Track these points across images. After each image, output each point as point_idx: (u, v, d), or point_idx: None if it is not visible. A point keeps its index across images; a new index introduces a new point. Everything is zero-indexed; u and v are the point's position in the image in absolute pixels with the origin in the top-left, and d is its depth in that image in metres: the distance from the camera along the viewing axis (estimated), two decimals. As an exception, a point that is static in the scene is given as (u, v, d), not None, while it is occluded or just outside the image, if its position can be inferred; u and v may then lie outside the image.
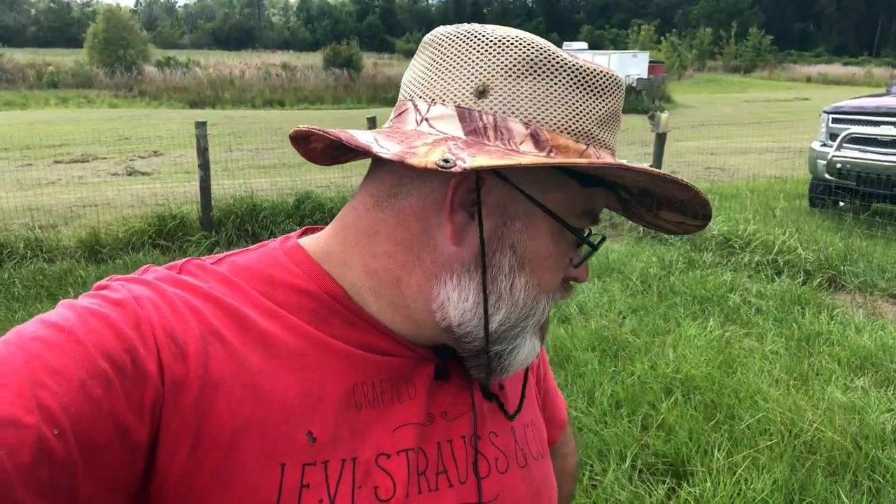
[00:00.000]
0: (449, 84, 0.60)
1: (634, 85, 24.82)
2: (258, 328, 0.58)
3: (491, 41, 0.59)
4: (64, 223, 6.59)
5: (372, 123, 6.59)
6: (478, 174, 0.58)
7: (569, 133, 0.59)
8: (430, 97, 0.61)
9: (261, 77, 30.64)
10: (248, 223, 6.27)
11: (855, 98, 7.83)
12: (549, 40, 0.62)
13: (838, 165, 6.81)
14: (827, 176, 7.01)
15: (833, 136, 7.05)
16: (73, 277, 4.98)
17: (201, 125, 6.23)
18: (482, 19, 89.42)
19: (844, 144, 6.81)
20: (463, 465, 0.65)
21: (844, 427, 2.94)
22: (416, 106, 0.62)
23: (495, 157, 0.54)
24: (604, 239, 0.69)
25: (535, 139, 0.58)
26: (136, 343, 0.51)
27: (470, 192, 0.59)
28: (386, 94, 27.66)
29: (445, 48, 0.62)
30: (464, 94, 0.59)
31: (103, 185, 8.36)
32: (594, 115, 0.60)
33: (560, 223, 0.62)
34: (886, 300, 4.80)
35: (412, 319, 0.63)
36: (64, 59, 37.65)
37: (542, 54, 0.59)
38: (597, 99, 0.61)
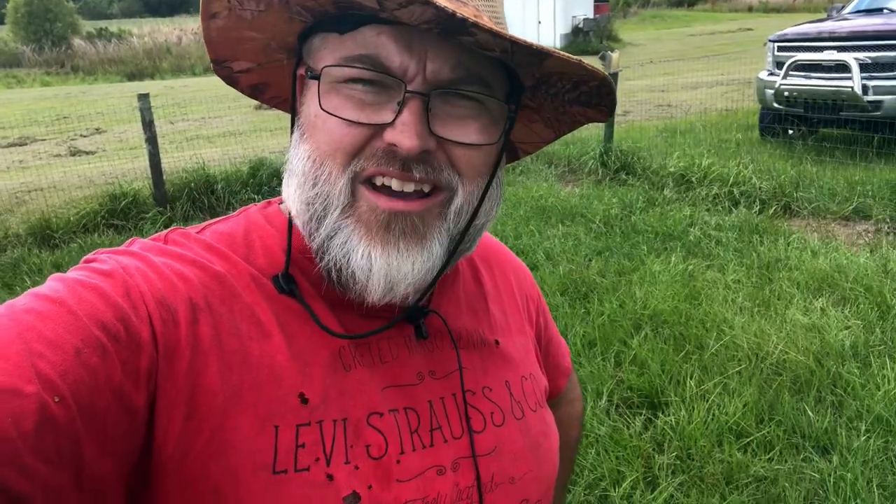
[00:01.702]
0: None
1: (581, 26, 24.69)
2: (244, 297, 0.59)
3: None
4: (9, 211, 6.34)
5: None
6: (295, 71, 0.63)
7: None
8: None
9: (198, 43, 29.52)
10: (204, 195, 6.12)
11: (798, 25, 7.92)
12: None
13: (786, 93, 6.92)
14: (776, 105, 7.12)
15: (779, 65, 7.15)
16: (28, 266, 4.82)
17: (144, 97, 6.00)
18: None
19: (791, 72, 6.91)
20: (456, 420, 0.66)
21: (807, 347, 3.07)
22: None
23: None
24: (423, 97, 0.56)
25: None
26: (128, 311, 0.52)
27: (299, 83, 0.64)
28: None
29: None
30: None
31: (46, 167, 8.04)
32: None
33: (311, 76, 0.60)
34: (838, 223, 4.97)
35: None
36: (-14, 37, 35.64)
37: None
38: None
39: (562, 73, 0.61)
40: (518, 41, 0.53)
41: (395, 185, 0.57)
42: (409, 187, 0.58)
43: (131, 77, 24.68)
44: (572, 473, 2.47)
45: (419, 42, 0.56)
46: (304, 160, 0.59)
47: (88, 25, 39.47)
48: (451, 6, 0.50)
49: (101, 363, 0.48)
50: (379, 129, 0.57)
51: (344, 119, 0.57)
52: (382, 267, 0.58)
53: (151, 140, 6.00)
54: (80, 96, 17.94)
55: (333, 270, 0.59)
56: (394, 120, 0.56)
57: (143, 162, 6.30)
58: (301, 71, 0.63)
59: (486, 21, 0.52)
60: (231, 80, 0.69)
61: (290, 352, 0.58)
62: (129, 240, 0.62)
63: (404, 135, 0.55)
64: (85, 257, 0.59)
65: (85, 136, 11.10)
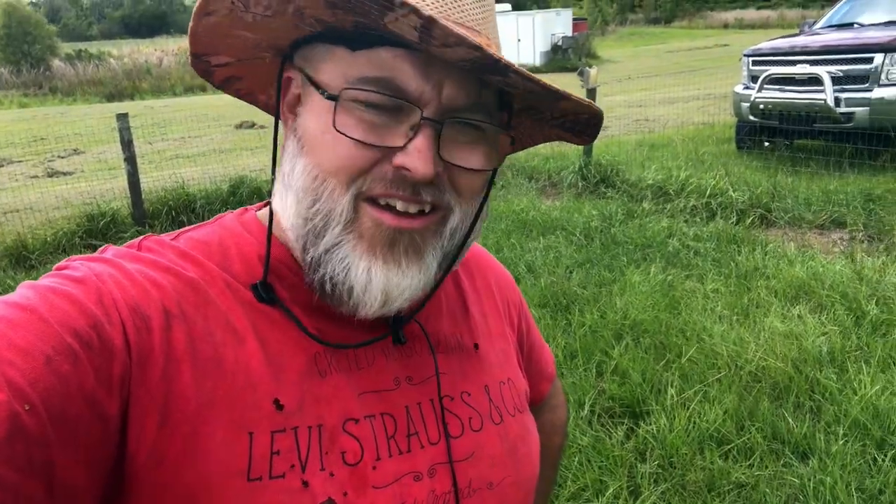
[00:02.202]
0: None
1: (560, 44, 24.99)
2: (218, 301, 0.58)
3: None
4: (-15, 232, 6.25)
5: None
6: (281, 73, 0.61)
7: None
8: None
9: (179, 63, 29.50)
10: (183, 214, 6.09)
11: (772, 40, 8.09)
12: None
13: (761, 106, 7.04)
14: (751, 117, 7.24)
15: (754, 79, 7.28)
16: (3, 287, 4.75)
17: (122, 117, 5.99)
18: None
19: (765, 86, 7.04)
20: (433, 426, 0.65)
21: (785, 354, 3.10)
22: None
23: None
24: (436, 123, 0.56)
25: None
26: (101, 318, 0.51)
27: (293, 97, 0.62)
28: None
29: None
30: None
31: (23, 188, 7.94)
32: None
33: (317, 90, 0.58)
34: (814, 232, 5.04)
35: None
36: (-37, 59, 35.33)
37: None
38: None
39: (565, 109, 0.63)
40: (548, 88, 0.55)
41: (399, 205, 0.58)
42: (414, 208, 0.58)
43: (111, 98, 24.56)
44: (555, 483, 2.47)
45: (437, 69, 0.56)
46: (305, 175, 0.58)
47: (67, 47, 39.33)
48: (482, 42, 0.51)
49: (72, 370, 0.48)
50: (388, 151, 0.56)
51: (355, 140, 0.56)
52: (381, 282, 0.58)
53: (130, 159, 5.97)
54: (58, 117, 17.82)
55: (328, 284, 0.59)
56: (406, 144, 0.56)
57: (122, 182, 6.26)
58: (290, 74, 0.62)
59: (504, 57, 0.53)
60: (206, 74, 0.67)
61: (265, 358, 0.58)
62: (103, 247, 0.62)
63: (419, 161, 0.55)
64: (57, 265, 0.58)
65: (63, 157, 11.01)
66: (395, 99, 0.55)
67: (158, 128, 10.96)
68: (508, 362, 0.77)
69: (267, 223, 0.64)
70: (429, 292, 0.63)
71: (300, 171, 0.58)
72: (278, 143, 0.66)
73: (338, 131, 0.56)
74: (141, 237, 0.63)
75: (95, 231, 5.73)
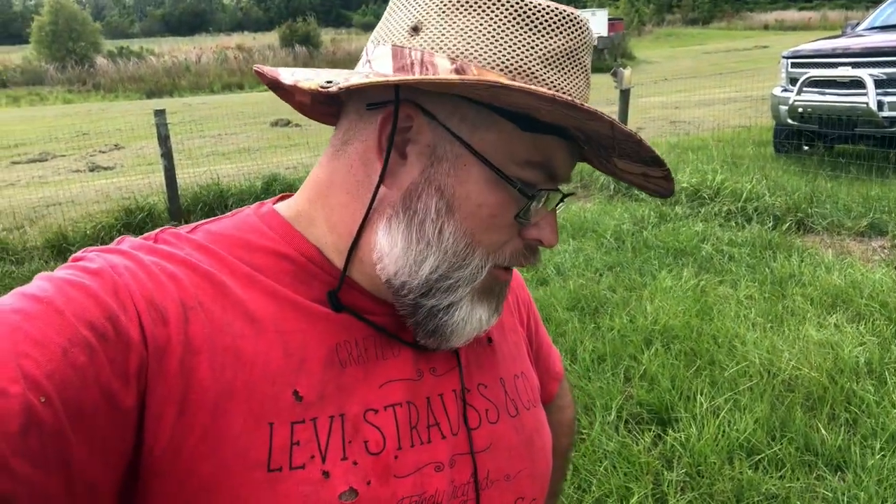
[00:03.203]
0: (391, 24, 0.60)
1: (595, 44, 24.75)
2: (237, 293, 0.58)
3: None
4: (29, 224, 6.43)
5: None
6: (397, 110, 0.58)
7: (501, 69, 0.55)
8: (377, 39, 0.61)
9: (217, 61, 30.00)
10: (218, 209, 6.19)
11: (812, 42, 7.90)
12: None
13: (800, 110, 6.88)
14: (790, 121, 7.09)
15: (793, 81, 7.12)
16: (43, 278, 4.89)
17: (160, 113, 6.11)
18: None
19: (804, 88, 6.88)
20: (454, 417, 0.66)
21: (820, 363, 3.02)
22: (366, 49, 0.63)
23: (394, 78, 0.53)
24: (563, 198, 0.64)
25: (461, 74, 0.55)
26: (117, 310, 0.51)
27: (401, 130, 0.59)
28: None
29: None
30: (400, 33, 0.58)
31: (65, 182, 8.16)
32: (535, 51, 0.56)
33: (485, 164, 0.58)
34: (853, 239, 4.91)
35: (370, 276, 0.62)
36: (10, 55, 36.43)
37: None
38: (540, 34, 0.56)
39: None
40: (667, 175, 0.62)
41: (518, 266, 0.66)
42: None
43: (150, 95, 25.08)
44: (573, 483, 2.46)
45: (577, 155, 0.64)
46: (455, 240, 0.59)
47: (110, 44, 40.24)
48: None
49: (88, 363, 0.47)
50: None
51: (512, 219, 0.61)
52: (484, 326, 0.65)
53: (167, 155, 6.08)
54: (100, 113, 18.26)
55: (432, 322, 0.62)
56: (526, 218, 0.62)
57: (160, 177, 6.38)
58: (410, 113, 0.59)
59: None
60: (286, 97, 0.70)
61: (285, 349, 0.58)
62: (119, 238, 0.62)
63: (552, 235, 0.63)
64: (73, 255, 0.58)
65: (104, 152, 11.27)
66: (551, 181, 0.62)
67: (196, 125, 11.16)
68: (520, 356, 0.78)
69: (284, 216, 0.65)
70: None
71: (451, 235, 0.59)
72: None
73: (516, 218, 0.61)
74: (158, 230, 0.64)
75: (133, 225, 5.85)
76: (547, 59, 0.56)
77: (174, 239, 0.62)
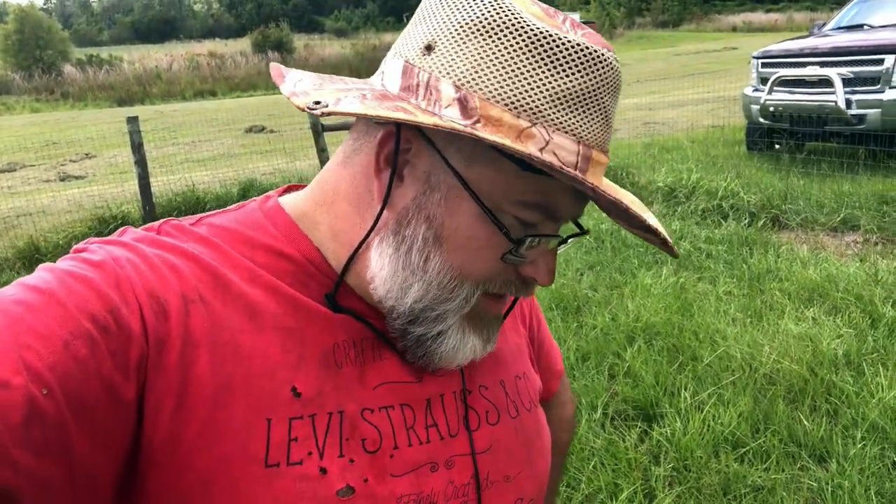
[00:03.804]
0: (410, 38, 0.58)
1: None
2: (238, 288, 0.58)
3: None
4: (-3, 235, 6.30)
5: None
6: (399, 133, 0.57)
7: (506, 104, 0.53)
8: (395, 51, 0.60)
9: (189, 68, 29.71)
10: (194, 217, 6.13)
11: (781, 42, 8.04)
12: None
13: (771, 108, 7.00)
14: (761, 120, 7.20)
15: (764, 81, 7.24)
16: (15, 290, 4.78)
17: (133, 120, 6.03)
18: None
19: (775, 88, 6.99)
20: (454, 418, 0.65)
21: (800, 356, 3.07)
22: (385, 58, 0.62)
23: (381, 110, 0.51)
24: (565, 240, 0.63)
25: (463, 105, 0.53)
26: (118, 303, 0.51)
27: (401, 151, 0.58)
28: (321, 76, 27.17)
29: (424, 2, 0.59)
30: (414, 50, 0.57)
31: (36, 192, 8.01)
32: (547, 88, 0.53)
33: (475, 200, 0.56)
34: (827, 234, 5.00)
35: (365, 288, 0.62)
36: (-25, 65, 35.64)
37: (502, 14, 0.54)
38: (556, 71, 0.53)
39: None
40: (667, 242, 0.62)
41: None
42: None
43: (121, 103, 24.76)
44: (562, 481, 2.46)
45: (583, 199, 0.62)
46: (442, 273, 0.58)
47: (79, 52, 39.64)
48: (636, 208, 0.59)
49: (90, 355, 0.48)
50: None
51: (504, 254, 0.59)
52: (476, 355, 0.64)
53: (141, 162, 6.01)
54: (69, 122, 17.96)
55: (423, 348, 0.62)
56: (518, 257, 0.60)
57: (133, 185, 6.29)
58: (410, 137, 0.58)
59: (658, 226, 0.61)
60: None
61: (284, 346, 0.58)
62: (121, 229, 0.61)
63: (548, 277, 0.61)
64: (75, 247, 0.58)
65: (74, 162, 11.09)
66: (549, 222, 0.61)
67: (169, 132, 11.02)
68: (521, 357, 0.78)
69: (288, 213, 0.64)
70: None
71: (436, 267, 0.58)
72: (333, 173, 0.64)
73: (503, 258, 0.59)
74: (161, 221, 0.63)
75: (106, 234, 5.72)
76: (560, 99, 0.54)
77: (177, 231, 0.61)
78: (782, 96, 6.94)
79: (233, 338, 0.56)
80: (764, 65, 7.38)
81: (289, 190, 0.70)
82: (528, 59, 0.53)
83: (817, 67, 6.72)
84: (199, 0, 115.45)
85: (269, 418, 0.55)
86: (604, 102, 0.56)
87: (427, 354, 0.61)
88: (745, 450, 2.53)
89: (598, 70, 0.55)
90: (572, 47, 0.53)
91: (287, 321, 0.59)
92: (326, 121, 6.96)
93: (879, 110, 6.23)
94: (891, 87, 6.26)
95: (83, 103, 25.39)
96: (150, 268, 0.55)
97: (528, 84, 0.53)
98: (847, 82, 6.45)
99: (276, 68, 0.63)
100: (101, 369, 0.48)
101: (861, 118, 6.35)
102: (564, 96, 0.53)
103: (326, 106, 0.52)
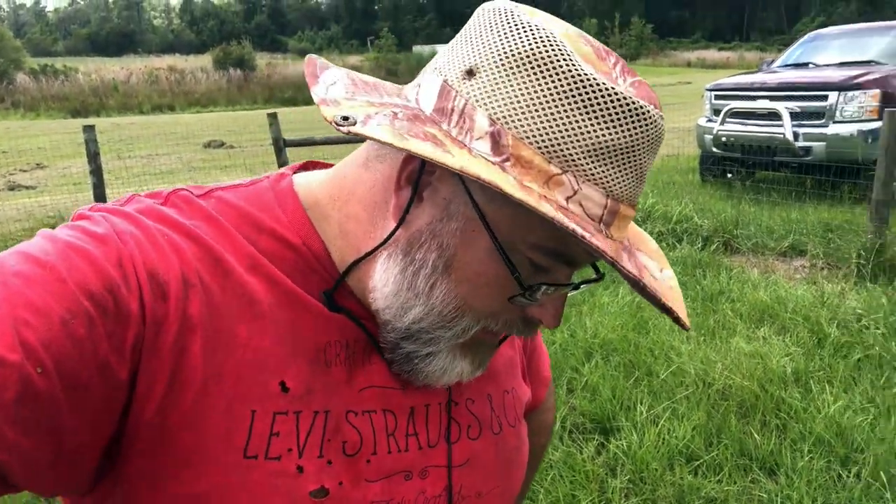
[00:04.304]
0: (453, 57, 0.56)
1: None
2: (238, 276, 0.57)
3: (510, 23, 0.54)
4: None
5: (273, 118, 6.46)
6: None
7: (539, 147, 0.51)
8: (436, 66, 0.57)
9: (148, 81, 29.24)
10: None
11: (733, 76, 8.37)
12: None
13: (723, 139, 7.26)
14: (714, 149, 7.46)
15: (717, 112, 7.51)
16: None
17: (90, 129, 5.91)
18: (373, 15, 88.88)
19: (727, 119, 7.26)
20: (435, 429, 0.65)
21: (751, 373, 3.16)
22: (424, 70, 0.60)
23: (412, 140, 0.50)
24: (578, 286, 0.60)
25: (495, 140, 0.52)
26: (119, 282, 0.50)
27: (425, 173, 0.57)
28: (282, 94, 27.04)
29: (473, 21, 0.57)
30: (455, 71, 0.55)
31: (-19, 200, 7.74)
32: (585, 138, 0.51)
33: (492, 239, 0.55)
34: (776, 258, 5.18)
35: (364, 294, 0.61)
36: (-79, 71, 34.39)
37: (551, 52, 0.51)
38: (596, 121, 0.51)
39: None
40: (677, 319, 0.62)
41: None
42: None
43: (75, 114, 24.17)
44: (535, 474, 2.46)
45: None
46: (446, 302, 0.57)
47: (32, 62, 38.66)
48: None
49: (87, 335, 0.47)
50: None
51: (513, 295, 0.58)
52: (466, 377, 0.63)
53: (96, 172, 5.88)
54: (19, 131, 17.45)
55: (411, 364, 0.61)
56: (527, 300, 0.58)
57: (87, 196, 6.14)
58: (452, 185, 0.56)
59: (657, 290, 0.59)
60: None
61: (278, 339, 0.57)
62: (128, 195, 0.59)
63: (554, 320, 0.60)
64: (78, 212, 0.56)
65: (25, 171, 10.77)
66: (554, 266, 0.58)
67: (125, 144, 10.81)
68: (513, 371, 0.77)
69: (300, 198, 0.63)
70: None
71: (441, 295, 0.57)
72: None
73: (510, 300, 0.58)
74: (169, 189, 0.61)
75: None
76: (596, 151, 0.52)
77: (184, 204, 0.59)
78: (734, 127, 7.21)
79: (228, 326, 0.55)
80: (717, 97, 7.66)
81: (306, 167, 0.68)
82: (569, 104, 0.51)
83: (767, 101, 7.01)
84: (160, 15, 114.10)
85: (253, 410, 0.55)
86: (640, 158, 0.54)
87: (413, 371, 0.61)
88: (698, 462, 2.58)
89: (640, 126, 0.53)
90: (617, 99, 0.52)
91: (283, 314, 0.58)
92: (291, 136, 6.93)
93: (824, 143, 6.52)
94: (834, 122, 6.57)
95: (35, 113, 24.70)
96: (153, 245, 0.53)
97: (566, 130, 0.51)
98: (794, 116, 6.74)
99: (311, 63, 0.60)
100: (97, 350, 0.48)
101: (807, 150, 6.63)
102: (601, 149, 0.52)
103: (354, 124, 0.50)
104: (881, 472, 2.44)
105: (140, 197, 0.59)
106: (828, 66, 7.60)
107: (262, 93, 27.68)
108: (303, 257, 0.60)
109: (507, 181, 0.50)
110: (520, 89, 0.51)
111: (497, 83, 0.52)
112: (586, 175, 0.52)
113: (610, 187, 0.53)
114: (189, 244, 0.56)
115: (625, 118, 0.52)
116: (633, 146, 0.53)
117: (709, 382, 3.11)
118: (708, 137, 7.47)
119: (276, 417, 0.55)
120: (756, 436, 2.72)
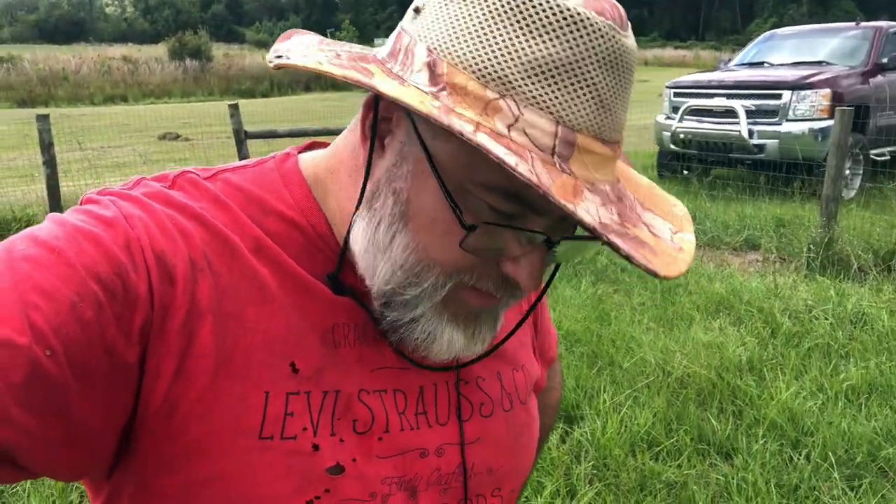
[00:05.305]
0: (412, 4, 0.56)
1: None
2: (246, 259, 0.57)
3: None
4: None
5: (234, 110, 6.36)
6: (377, 101, 0.55)
7: (473, 71, 0.48)
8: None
9: (100, 72, 28.39)
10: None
11: (692, 74, 8.57)
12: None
13: (681, 136, 7.43)
14: (672, 146, 7.63)
15: (675, 110, 7.68)
16: None
17: (43, 118, 5.75)
18: (334, 6, 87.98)
19: (685, 116, 7.44)
20: (445, 407, 0.65)
21: (709, 362, 3.26)
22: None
23: (333, 67, 0.49)
24: (555, 242, 0.53)
25: (431, 70, 0.49)
26: (127, 266, 0.50)
27: (381, 120, 0.56)
28: (240, 86, 26.59)
29: None
30: (409, 14, 0.55)
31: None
32: (518, 55, 0.47)
33: (436, 177, 0.51)
34: (731, 252, 5.34)
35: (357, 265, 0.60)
36: None
37: None
38: (529, 36, 0.47)
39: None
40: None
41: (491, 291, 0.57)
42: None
43: (22, 104, 23.29)
44: (540, 455, 2.50)
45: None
46: (406, 254, 0.54)
47: (-25, 49, 37.15)
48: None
49: (95, 318, 0.47)
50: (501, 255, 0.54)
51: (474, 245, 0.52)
52: (458, 350, 0.59)
53: (49, 163, 5.71)
54: (-37, 121, 16.77)
55: (402, 333, 0.58)
56: (520, 256, 0.54)
57: (37, 189, 5.96)
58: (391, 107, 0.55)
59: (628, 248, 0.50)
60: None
61: (287, 320, 0.57)
62: (135, 178, 0.59)
63: (531, 280, 0.54)
64: (86, 196, 0.56)
65: (-32, 162, 10.36)
66: (521, 213, 0.52)
67: (76, 136, 10.48)
68: (524, 348, 0.76)
69: (305, 176, 0.62)
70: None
71: (400, 247, 0.54)
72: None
73: (461, 248, 0.52)
74: (176, 172, 0.61)
75: (5, 238, 5.42)
76: (533, 69, 0.47)
77: (192, 186, 0.59)
78: (692, 125, 7.38)
79: (237, 310, 0.55)
80: (676, 94, 7.83)
81: (312, 146, 0.68)
82: (502, 22, 0.47)
83: (724, 99, 7.20)
84: (112, 3, 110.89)
85: (266, 391, 0.55)
86: (592, 77, 0.48)
87: (402, 341, 0.59)
88: (659, 448, 2.66)
89: (583, 38, 0.47)
90: (553, 11, 0.47)
91: (290, 297, 0.58)
92: (251, 128, 6.83)
93: (777, 141, 6.73)
94: (787, 121, 6.79)
95: (-22, 102, 23.79)
96: (161, 229, 0.53)
97: (500, 50, 0.47)
98: (749, 114, 6.94)
99: (289, 34, 0.59)
100: (105, 333, 0.48)
101: (761, 147, 6.84)
102: (539, 66, 0.47)
103: (280, 57, 0.51)
104: (829, 454, 2.55)
105: (147, 180, 0.59)
106: (782, 65, 7.84)
107: (218, 84, 27.14)
108: (309, 239, 0.60)
109: (429, 105, 0.46)
110: (456, 16, 0.49)
111: (437, 15, 0.50)
112: (527, 98, 0.47)
113: (558, 112, 0.47)
114: (197, 227, 0.55)
115: (562, 30, 0.47)
116: (577, 61, 0.47)
117: (668, 371, 3.20)
118: (666, 134, 7.63)
119: (289, 398, 0.56)
120: (713, 422, 2.81)
